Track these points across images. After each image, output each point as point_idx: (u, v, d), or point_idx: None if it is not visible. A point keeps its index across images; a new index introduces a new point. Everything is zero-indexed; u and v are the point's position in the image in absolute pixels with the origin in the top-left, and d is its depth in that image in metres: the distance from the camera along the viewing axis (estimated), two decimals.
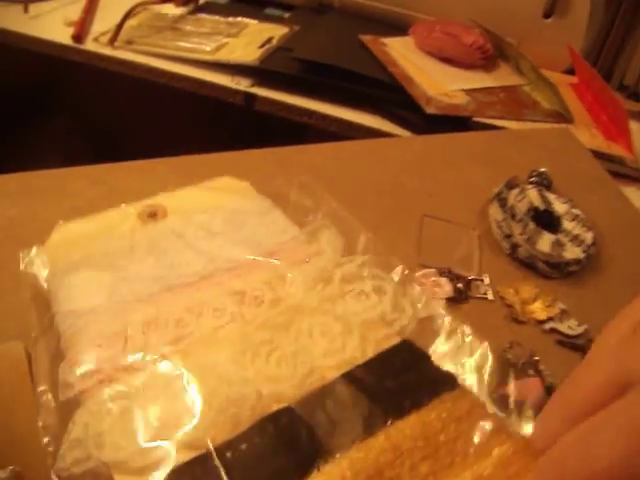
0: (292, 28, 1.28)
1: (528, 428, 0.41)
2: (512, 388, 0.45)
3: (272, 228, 0.57)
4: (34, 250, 0.54)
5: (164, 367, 0.43)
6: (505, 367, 0.48)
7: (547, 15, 1.22)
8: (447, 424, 0.39)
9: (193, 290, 0.50)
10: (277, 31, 1.26)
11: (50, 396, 0.42)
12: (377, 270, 0.52)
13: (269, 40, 1.21)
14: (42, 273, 0.52)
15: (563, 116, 1.06)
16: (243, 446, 0.38)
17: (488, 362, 0.46)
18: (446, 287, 0.57)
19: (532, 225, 0.63)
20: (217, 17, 1.33)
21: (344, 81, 1.06)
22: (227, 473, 0.36)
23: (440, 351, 0.46)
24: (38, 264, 0.53)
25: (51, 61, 1.21)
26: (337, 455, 0.37)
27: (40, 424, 0.40)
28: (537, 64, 1.16)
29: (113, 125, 1.52)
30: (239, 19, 1.32)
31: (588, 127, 1.05)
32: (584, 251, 0.62)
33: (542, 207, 0.66)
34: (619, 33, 1.27)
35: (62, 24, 1.24)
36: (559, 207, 0.67)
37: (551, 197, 0.67)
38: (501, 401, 0.43)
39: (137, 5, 1.27)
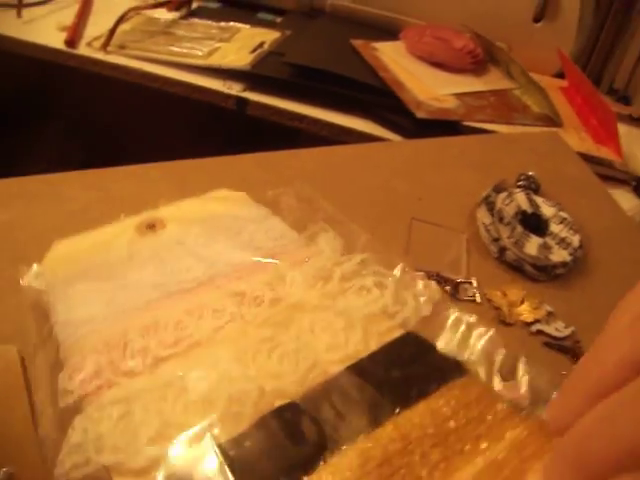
0: (284, 33, 1.29)
1: (540, 411, 0.40)
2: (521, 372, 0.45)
3: (271, 233, 0.57)
4: (35, 266, 0.53)
5: (164, 369, 0.43)
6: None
7: (537, 19, 1.23)
8: (456, 411, 0.39)
9: (192, 295, 0.50)
10: (269, 36, 1.27)
11: (49, 405, 0.42)
12: (377, 267, 0.52)
13: (261, 45, 1.22)
14: (41, 287, 0.52)
15: (553, 120, 1.07)
16: (247, 443, 0.38)
17: (496, 349, 0.45)
18: None
19: (520, 228, 0.64)
20: (209, 22, 1.34)
21: (335, 86, 1.07)
22: (231, 471, 0.36)
23: (446, 341, 0.46)
24: (38, 278, 0.53)
25: (44, 65, 1.22)
26: (344, 447, 0.36)
27: (40, 433, 0.40)
28: (527, 68, 1.16)
29: (106, 130, 1.52)
30: (231, 24, 1.33)
31: (577, 130, 1.06)
32: (571, 254, 0.63)
33: (530, 210, 0.66)
34: (608, 37, 1.28)
35: (55, 29, 1.25)
36: (547, 210, 0.67)
37: (539, 200, 0.68)
38: (511, 387, 0.43)
39: (130, 10, 1.28)
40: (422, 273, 0.58)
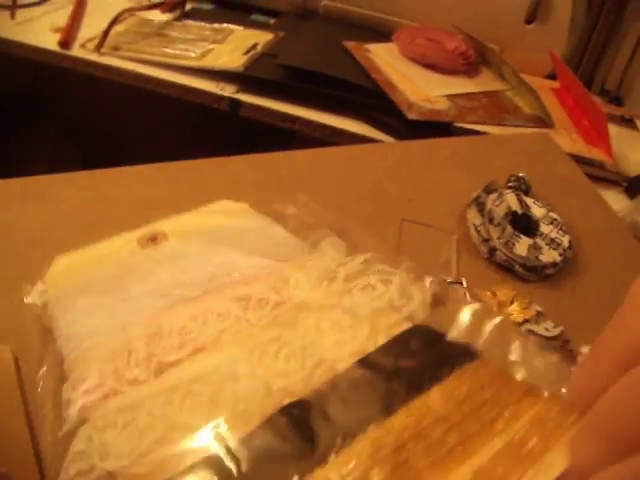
0: (277, 34, 1.29)
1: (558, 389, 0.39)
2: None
3: (274, 241, 0.57)
4: (38, 284, 0.53)
5: (169, 374, 0.43)
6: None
7: (529, 21, 1.24)
8: (471, 394, 0.38)
9: (196, 302, 0.49)
10: (262, 37, 1.27)
11: (55, 419, 0.41)
12: (382, 265, 0.52)
13: (254, 46, 1.22)
14: (44, 302, 0.51)
15: (544, 121, 1.07)
16: (256, 442, 0.37)
17: (508, 335, 0.45)
18: None
19: (509, 229, 0.64)
20: (203, 23, 1.34)
21: (328, 87, 1.08)
22: (240, 471, 0.35)
23: (457, 330, 0.45)
24: (41, 295, 0.52)
25: (39, 67, 1.22)
26: (357, 437, 0.35)
27: (44, 445, 0.40)
28: (519, 69, 1.17)
29: (101, 131, 1.52)
30: (225, 25, 1.33)
31: (569, 131, 1.06)
32: (561, 254, 0.64)
33: (520, 211, 0.67)
34: (600, 38, 1.29)
35: (49, 30, 1.25)
36: (537, 211, 0.68)
37: (529, 201, 0.69)
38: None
39: (124, 11, 1.28)
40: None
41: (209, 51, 1.20)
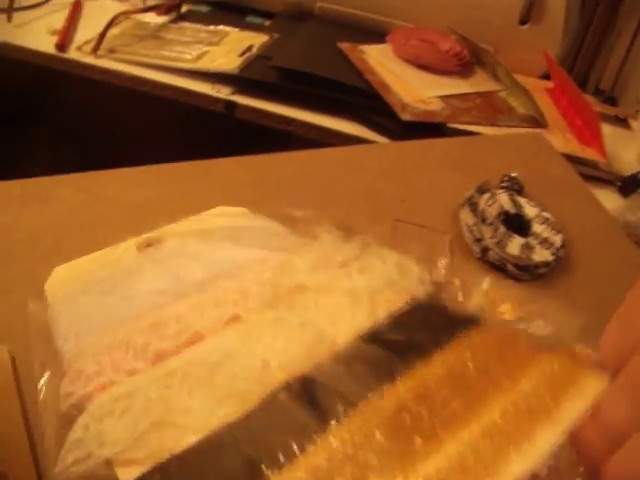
0: (272, 36, 1.29)
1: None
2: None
3: (272, 235, 0.57)
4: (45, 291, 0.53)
5: (167, 361, 0.42)
6: None
7: (523, 22, 1.24)
8: (474, 356, 0.38)
9: (195, 295, 0.49)
10: (257, 39, 1.27)
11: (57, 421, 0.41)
12: (378, 247, 0.52)
13: (249, 48, 1.22)
14: (45, 309, 0.51)
15: (537, 121, 1.08)
16: (256, 418, 0.36)
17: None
18: None
19: (502, 229, 0.65)
20: (199, 26, 1.34)
21: (323, 89, 1.08)
22: (238, 450, 0.35)
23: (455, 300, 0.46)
24: (42, 303, 0.52)
25: (35, 69, 1.23)
26: (358, 404, 0.35)
27: (46, 444, 0.40)
28: (514, 70, 1.18)
29: (98, 132, 1.52)
30: (220, 27, 1.34)
31: (562, 131, 1.07)
32: (553, 254, 0.64)
33: (513, 211, 0.67)
34: (594, 38, 1.29)
35: (46, 33, 1.26)
36: (530, 211, 0.68)
37: (522, 201, 0.69)
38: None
39: (120, 14, 1.28)
40: None
41: (205, 53, 1.21)
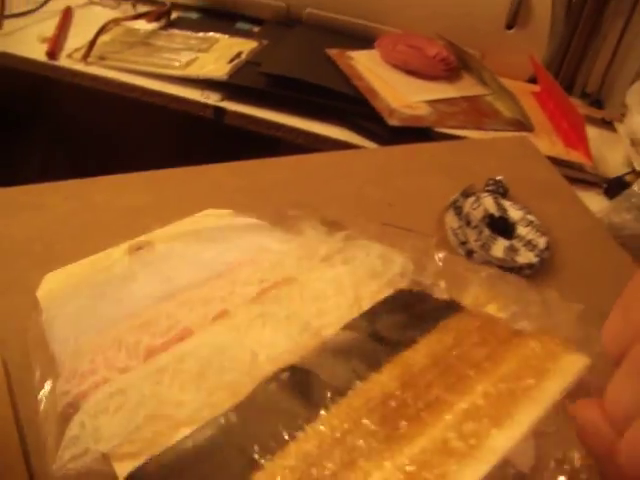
0: (261, 42, 1.30)
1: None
2: None
3: (258, 234, 0.58)
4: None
5: (158, 357, 0.43)
6: None
7: (509, 26, 1.25)
8: (457, 341, 0.39)
9: (184, 294, 0.50)
10: (246, 46, 1.28)
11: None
12: (362, 240, 0.53)
13: (238, 55, 1.23)
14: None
15: (523, 124, 1.09)
16: (246, 409, 0.37)
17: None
18: None
19: (487, 231, 0.66)
20: (188, 32, 1.35)
21: (311, 95, 1.09)
22: (231, 439, 0.36)
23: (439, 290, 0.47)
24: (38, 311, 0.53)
25: (27, 76, 1.23)
26: (346, 393, 0.36)
27: (48, 447, 0.40)
28: (501, 74, 1.19)
29: (89, 139, 1.52)
30: (210, 34, 1.35)
31: (549, 135, 1.08)
32: (537, 255, 0.65)
33: (497, 214, 0.68)
34: (580, 42, 1.30)
35: (36, 40, 1.26)
36: (514, 214, 0.69)
37: (506, 204, 0.70)
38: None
39: (110, 21, 1.29)
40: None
41: (194, 60, 1.21)
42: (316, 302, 0.46)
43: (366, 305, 0.45)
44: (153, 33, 1.34)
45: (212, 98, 1.13)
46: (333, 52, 1.23)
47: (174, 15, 1.43)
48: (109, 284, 0.53)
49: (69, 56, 1.23)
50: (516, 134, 1.05)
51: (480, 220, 0.66)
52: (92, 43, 1.21)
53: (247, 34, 1.37)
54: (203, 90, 1.14)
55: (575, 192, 0.82)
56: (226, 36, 1.34)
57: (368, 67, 1.19)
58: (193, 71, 1.17)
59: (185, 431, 0.37)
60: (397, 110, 1.06)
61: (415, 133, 1.03)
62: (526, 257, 0.64)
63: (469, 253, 0.64)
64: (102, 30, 1.24)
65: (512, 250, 0.65)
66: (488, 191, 0.73)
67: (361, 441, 0.33)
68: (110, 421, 0.39)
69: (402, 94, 1.12)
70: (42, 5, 1.41)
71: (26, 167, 1.50)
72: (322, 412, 0.35)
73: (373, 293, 0.47)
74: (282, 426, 0.35)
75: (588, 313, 0.43)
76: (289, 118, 1.09)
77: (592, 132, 1.08)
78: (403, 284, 0.48)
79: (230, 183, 0.73)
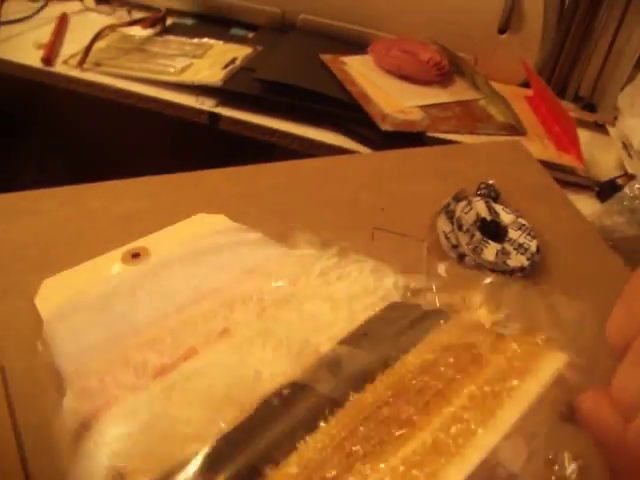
0: (255, 48, 1.31)
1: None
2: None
3: (252, 247, 0.59)
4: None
5: (165, 376, 0.44)
6: None
7: (502, 31, 1.26)
8: (444, 347, 0.41)
9: (185, 311, 0.51)
10: (241, 51, 1.29)
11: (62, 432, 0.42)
12: (356, 255, 0.55)
13: (233, 60, 1.24)
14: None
15: (516, 128, 1.09)
16: (251, 424, 0.39)
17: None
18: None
19: (478, 235, 0.66)
20: (183, 38, 1.36)
21: (305, 100, 1.09)
22: (236, 456, 0.36)
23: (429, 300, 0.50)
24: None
25: (23, 83, 1.24)
26: (342, 405, 0.38)
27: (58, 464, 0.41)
28: (493, 78, 1.20)
29: (85, 145, 1.53)
30: (205, 40, 1.35)
31: (541, 138, 1.09)
32: (528, 259, 0.66)
33: (489, 218, 0.69)
34: (572, 46, 1.31)
35: (32, 47, 1.27)
36: (505, 217, 0.70)
37: (498, 208, 0.71)
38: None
39: (105, 28, 1.29)
40: None
41: (189, 66, 1.22)
42: (313, 319, 0.48)
43: (361, 319, 0.47)
44: (148, 39, 1.35)
45: (207, 104, 1.13)
46: (327, 58, 1.24)
47: (169, 21, 1.44)
48: (108, 297, 0.54)
49: (65, 62, 1.23)
50: (508, 138, 1.06)
51: (472, 224, 0.67)
52: (88, 49, 1.22)
53: (242, 40, 1.38)
54: (198, 96, 1.15)
55: (567, 195, 0.83)
56: (221, 42, 1.35)
57: (361, 72, 1.20)
58: (188, 77, 1.18)
59: (194, 446, 0.38)
60: (390, 115, 1.06)
61: (408, 138, 1.03)
62: (517, 260, 0.65)
63: (461, 257, 0.65)
64: (98, 36, 1.25)
65: (504, 254, 0.65)
66: (480, 195, 0.73)
67: (358, 447, 0.36)
68: (122, 439, 0.40)
69: (395, 99, 1.13)
70: (38, 11, 1.42)
71: (22, 173, 1.51)
72: (321, 424, 0.37)
73: (366, 309, 0.48)
74: (285, 439, 0.37)
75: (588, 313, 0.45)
76: (284, 124, 1.10)
77: (584, 135, 1.08)
78: (396, 297, 0.50)
79: (225, 188, 0.74)
